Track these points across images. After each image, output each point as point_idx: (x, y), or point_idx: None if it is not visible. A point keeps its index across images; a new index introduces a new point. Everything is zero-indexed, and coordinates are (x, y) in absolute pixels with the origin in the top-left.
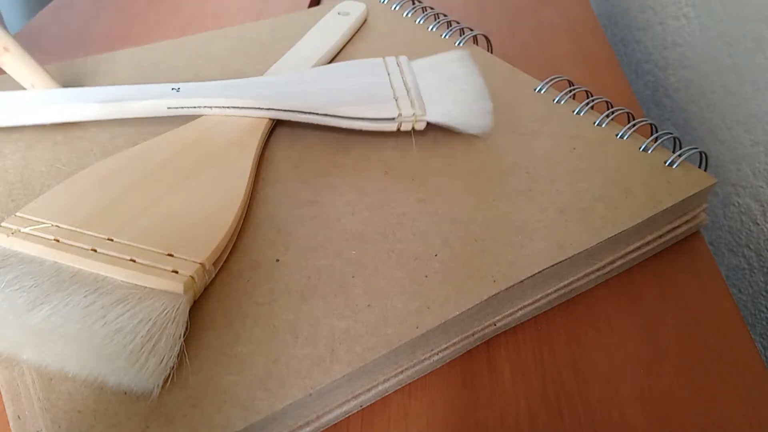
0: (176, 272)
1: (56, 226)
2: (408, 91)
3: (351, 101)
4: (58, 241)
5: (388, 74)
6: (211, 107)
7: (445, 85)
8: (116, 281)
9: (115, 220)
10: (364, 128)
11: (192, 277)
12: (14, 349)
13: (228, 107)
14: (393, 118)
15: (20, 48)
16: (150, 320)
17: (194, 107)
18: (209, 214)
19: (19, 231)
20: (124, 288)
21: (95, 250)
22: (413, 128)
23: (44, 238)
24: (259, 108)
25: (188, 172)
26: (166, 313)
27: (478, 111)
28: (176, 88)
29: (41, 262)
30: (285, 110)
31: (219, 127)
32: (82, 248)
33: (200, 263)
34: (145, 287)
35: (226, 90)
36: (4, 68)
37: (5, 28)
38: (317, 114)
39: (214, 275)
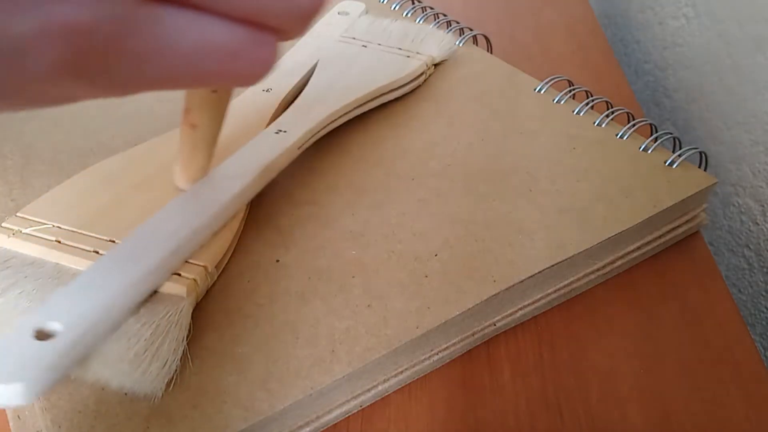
0: (179, 275)
1: (57, 227)
2: (401, 49)
3: (388, 76)
4: (59, 242)
5: (364, 47)
6: (320, 129)
7: (402, 36)
8: None
9: (117, 221)
10: (403, 93)
11: (195, 280)
12: None
13: (328, 123)
14: (424, 72)
15: (211, 134)
16: (153, 323)
17: (311, 137)
18: None
19: (20, 232)
20: None
21: (97, 252)
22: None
23: (46, 239)
24: (344, 115)
25: None
26: (170, 317)
27: (447, 39)
28: (282, 130)
29: (42, 263)
30: (356, 107)
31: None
32: (84, 250)
33: (203, 266)
34: None
35: (322, 109)
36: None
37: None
38: (376, 97)
39: (216, 278)
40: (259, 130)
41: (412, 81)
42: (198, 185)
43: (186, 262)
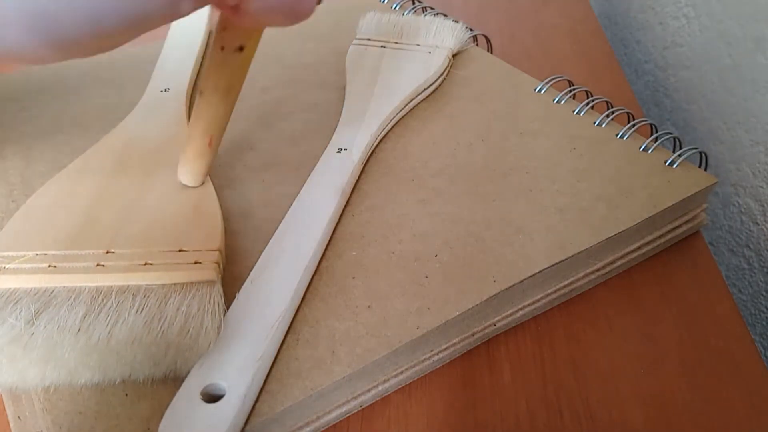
0: (199, 263)
1: (43, 254)
2: (420, 45)
3: (418, 75)
4: (54, 267)
5: (383, 47)
6: (374, 141)
7: (415, 31)
8: (142, 286)
9: (100, 234)
10: (432, 90)
11: (217, 263)
12: (71, 377)
13: (379, 133)
14: (448, 66)
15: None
16: (205, 309)
17: (369, 150)
18: (193, 207)
19: (4, 268)
20: (156, 289)
21: (102, 265)
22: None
23: (38, 267)
24: (391, 121)
25: (142, 177)
26: (213, 299)
27: (458, 28)
28: (342, 149)
29: (50, 290)
30: (398, 113)
31: (144, 131)
32: (86, 266)
33: (217, 249)
34: (175, 284)
35: (372, 121)
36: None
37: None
38: (412, 99)
39: (225, 261)
40: (181, 129)
41: (439, 77)
42: (288, 223)
43: (197, 250)
